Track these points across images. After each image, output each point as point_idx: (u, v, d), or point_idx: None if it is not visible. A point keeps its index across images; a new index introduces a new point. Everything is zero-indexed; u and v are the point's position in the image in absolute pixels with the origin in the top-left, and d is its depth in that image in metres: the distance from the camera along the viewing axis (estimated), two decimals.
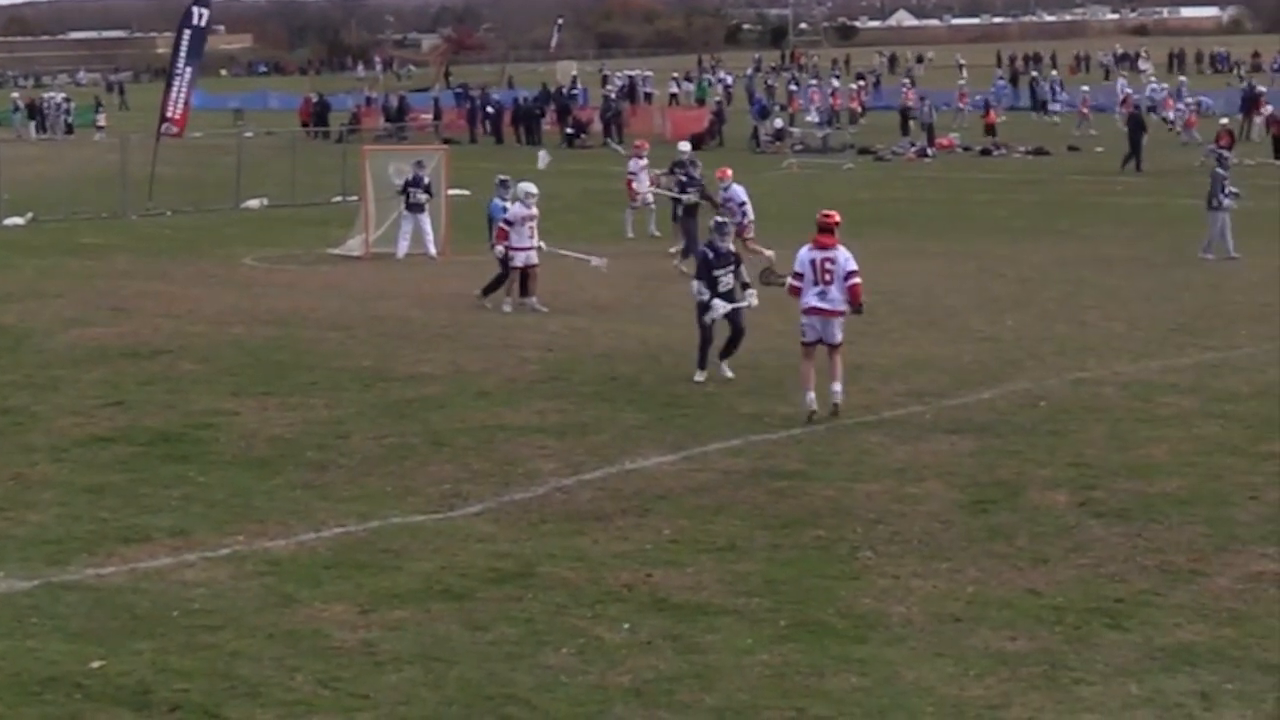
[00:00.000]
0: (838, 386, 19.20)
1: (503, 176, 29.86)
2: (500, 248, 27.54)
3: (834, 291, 19.27)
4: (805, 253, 19.54)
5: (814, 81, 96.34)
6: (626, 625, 12.34)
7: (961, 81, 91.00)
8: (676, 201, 34.02)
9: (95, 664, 11.60)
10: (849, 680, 11.20)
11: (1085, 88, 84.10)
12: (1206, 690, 10.97)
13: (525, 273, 27.57)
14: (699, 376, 21.26)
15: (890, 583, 13.29)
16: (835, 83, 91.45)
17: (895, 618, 12.46)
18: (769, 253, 30.34)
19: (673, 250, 32.72)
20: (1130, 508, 15.30)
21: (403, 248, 35.44)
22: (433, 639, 12.09)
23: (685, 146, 36.44)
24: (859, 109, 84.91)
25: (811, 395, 19.11)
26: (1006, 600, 12.82)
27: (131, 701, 10.96)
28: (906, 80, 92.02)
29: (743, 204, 31.87)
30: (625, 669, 11.45)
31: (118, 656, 11.74)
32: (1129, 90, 77.64)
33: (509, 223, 27.48)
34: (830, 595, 12.98)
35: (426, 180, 35.50)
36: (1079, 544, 14.26)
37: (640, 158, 38.69)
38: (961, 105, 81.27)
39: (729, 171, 33.14)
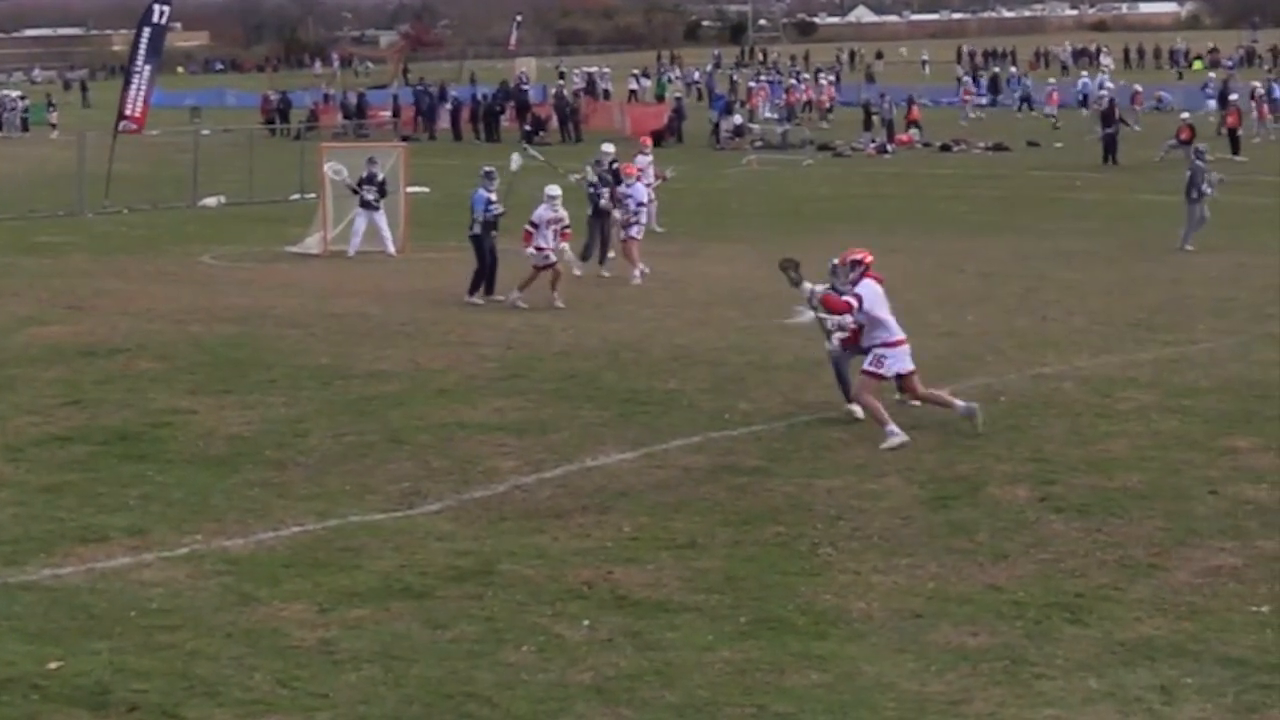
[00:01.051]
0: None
1: (488, 168, 29.68)
2: (530, 249, 27.28)
3: None
4: (876, 286, 18.36)
5: (771, 78, 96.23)
6: (587, 623, 12.31)
7: (966, 78, 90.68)
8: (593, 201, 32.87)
9: (53, 664, 11.54)
10: (810, 677, 11.18)
11: (1052, 81, 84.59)
12: (1166, 684, 10.98)
13: (551, 271, 27.43)
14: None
15: (851, 579, 13.28)
16: (794, 80, 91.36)
17: (856, 614, 12.46)
18: (637, 269, 30.14)
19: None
20: (1090, 503, 15.32)
21: (354, 245, 35.28)
22: (392, 637, 12.05)
23: (609, 148, 35.39)
24: (828, 104, 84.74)
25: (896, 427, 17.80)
26: (967, 596, 12.83)
27: (89, 702, 10.90)
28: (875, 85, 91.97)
29: (640, 205, 31.42)
30: (586, 666, 11.42)
31: (75, 657, 11.68)
32: (1108, 85, 77.47)
33: (534, 224, 27.25)
34: (791, 592, 12.97)
35: (380, 177, 35.35)
36: (1039, 539, 14.28)
37: (645, 153, 38.48)
38: (966, 100, 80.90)
39: (635, 169, 33.12)
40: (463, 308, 27.53)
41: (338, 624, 12.35)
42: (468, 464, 17.16)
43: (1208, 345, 23.34)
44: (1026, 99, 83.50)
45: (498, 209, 28.70)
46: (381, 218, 35.35)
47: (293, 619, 12.48)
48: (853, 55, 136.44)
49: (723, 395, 20.33)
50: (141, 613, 12.66)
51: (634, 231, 30.84)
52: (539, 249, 27.22)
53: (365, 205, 35.23)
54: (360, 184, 35.18)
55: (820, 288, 18.55)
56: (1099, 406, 19.48)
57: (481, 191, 28.91)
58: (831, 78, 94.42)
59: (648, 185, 35.39)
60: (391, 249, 35.24)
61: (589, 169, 33.05)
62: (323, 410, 19.77)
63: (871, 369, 18.14)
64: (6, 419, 19.55)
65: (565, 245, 28.00)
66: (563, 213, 27.38)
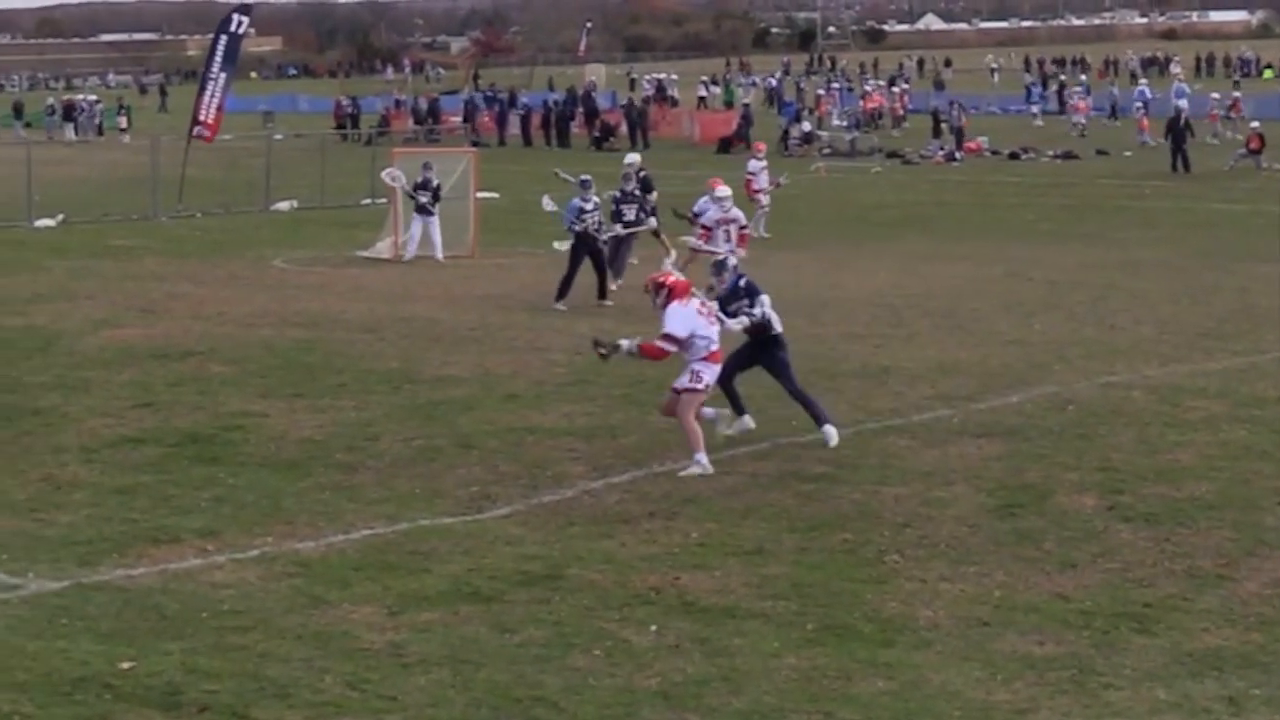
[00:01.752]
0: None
1: (585, 177, 29.69)
2: (705, 247, 27.13)
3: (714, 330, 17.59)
4: (688, 307, 17.37)
5: (841, 85, 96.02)
6: (654, 628, 12.36)
7: (1078, 88, 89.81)
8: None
9: (125, 665, 11.65)
10: (876, 684, 11.21)
11: (1078, 88, 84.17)
12: (1234, 695, 10.96)
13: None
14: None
15: (918, 586, 13.30)
16: (868, 86, 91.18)
17: (922, 621, 12.47)
18: (670, 257, 29.98)
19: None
20: (1158, 512, 15.29)
21: (411, 249, 35.33)
22: (461, 641, 12.12)
23: (633, 157, 34.39)
24: (901, 112, 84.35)
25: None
26: (1034, 604, 12.82)
27: (161, 702, 11.01)
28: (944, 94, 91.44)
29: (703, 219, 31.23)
30: (653, 671, 11.47)
31: (147, 657, 11.79)
32: (1185, 92, 76.86)
33: (707, 227, 27.07)
34: (857, 599, 12.99)
35: (435, 183, 35.41)
36: (1107, 548, 14.26)
37: (758, 158, 38.41)
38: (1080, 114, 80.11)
39: (720, 181, 32.97)
40: (531, 313, 27.59)
41: (407, 627, 12.43)
42: (536, 468, 17.23)
43: (1276, 355, 23.23)
44: (1112, 107, 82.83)
45: (590, 218, 28.63)
46: (435, 224, 35.38)
47: (362, 621, 12.57)
48: (921, 63, 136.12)
49: (789, 402, 20.29)
50: (213, 614, 12.77)
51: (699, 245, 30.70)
52: (706, 251, 26.82)
53: (420, 210, 35.31)
54: (415, 189, 35.29)
55: (634, 342, 17.78)
56: (1167, 416, 19.42)
57: (576, 200, 28.90)
58: (906, 85, 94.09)
59: (759, 191, 35.35)
60: (439, 255, 35.18)
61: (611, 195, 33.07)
62: (392, 414, 19.88)
63: (690, 385, 17.36)
64: (81, 421, 19.73)
65: (674, 252, 27.74)
66: (735, 213, 26.89)
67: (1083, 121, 75.81)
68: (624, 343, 17.85)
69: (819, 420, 18.19)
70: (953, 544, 14.43)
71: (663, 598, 13.08)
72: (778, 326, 18.29)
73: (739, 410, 18.54)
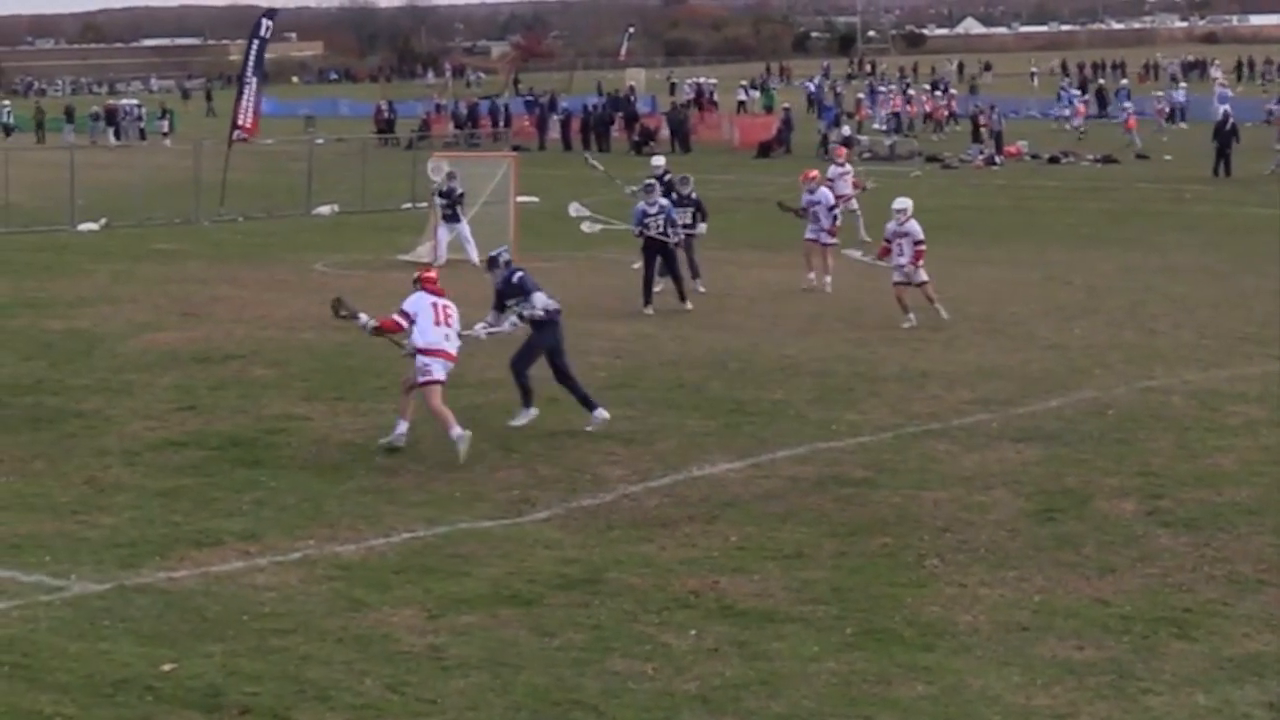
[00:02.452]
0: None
1: (648, 181, 29.72)
2: (881, 262, 26.95)
3: (454, 334, 18.78)
4: (424, 297, 18.78)
5: (884, 88, 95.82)
6: (693, 632, 12.39)
7: (1076, 92, 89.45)
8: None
9: (166, 666, 11.73)
10: (915, 689, 11.22)
11: (1077, 91, 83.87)
12: (1275, 701, 10.95)
13: (911, 288, 26.49)
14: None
15: (957, 591, 13.31)
16: (911, 91, 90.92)
17: (962, 626, 12.48)
18: (858, 254, 30.28)
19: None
20: (1198, 517, 15.27)
21: (440, 254, 35.29)
22: (500, 644, 12.16)
23: (659, 160, 34.35)
24: (945, 115, 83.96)
25: (405, 426, 18.76)
26: (1074, 609, 12.82)
27: (202, 704, 11.07)
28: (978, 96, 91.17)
29: (832, 208, 31.68)
30: (692, 675, 11.50)
31: (189, 659, 11.86)
32: (1228, 96, 76.55)
33: (887, 240, 26.69)
34: (897, 603, 13.01)
35: (459, 192, 35.37)
36: (1146, 553, 14.24)
37: (839, 164, 38.42)
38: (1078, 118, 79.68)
39: (815, 173, 33.01)
40: (571, 316, 27.45)
41: (447, 630, 12.48)
42: (576, 472, 17.27)
43: None
44: (1174, 113, 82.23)
45: (654, 221, 28.58)
46: (463, 227, 35.38)
47: (402, 625, 12.62)
48: (961, 67, 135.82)
49: (829, 406, 20.37)
50: (254, 616, 12.83)
51: (826, 239, 31.20)
52: (898, 266, 26.58)
53: (445, 217, 35.38)
54: (438, 195, 35.39)
55: (373, 320, 18.85)
56: (1207, 420, 19.38)
57: (640, 205, 28.87)
58: (953, 91, 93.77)
59: (841, 197, 35.31)
60: (475, 259, 35.12)
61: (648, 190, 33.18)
62: (433, 418, 19.89)
63: (423, 379, 18.42)
64: (123, 424, 19.83)
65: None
66: (909, 226, 26.43)
67: (1082, 124, 75.55)
68: (363, 317, 18.96)
69: (588, 406, 19.42)
70: (992, 549, 14.43)
71: (702, 601, 13.11)
72: (540, 313, 19.45)
73: (528, 402, 19.66)
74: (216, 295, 30.82)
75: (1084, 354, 23.69)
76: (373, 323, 18.88)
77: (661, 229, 28.51)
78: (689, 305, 28.29)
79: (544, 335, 19.56)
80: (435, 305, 18.68)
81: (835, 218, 31.32)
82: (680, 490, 16.57)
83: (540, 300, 19.33)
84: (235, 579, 13.83)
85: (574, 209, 32.03)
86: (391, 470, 17.46)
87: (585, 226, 32.10)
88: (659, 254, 28.60)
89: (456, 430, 17.99)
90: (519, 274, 19.60)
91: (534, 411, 19.58)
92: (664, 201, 28.97)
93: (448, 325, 18.68)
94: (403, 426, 18.70)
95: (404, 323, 18.66)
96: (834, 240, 31.10)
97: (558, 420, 19.63)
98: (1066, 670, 11.52)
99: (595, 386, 21.60)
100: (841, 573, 13.82)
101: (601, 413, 19.39)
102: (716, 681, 11.37)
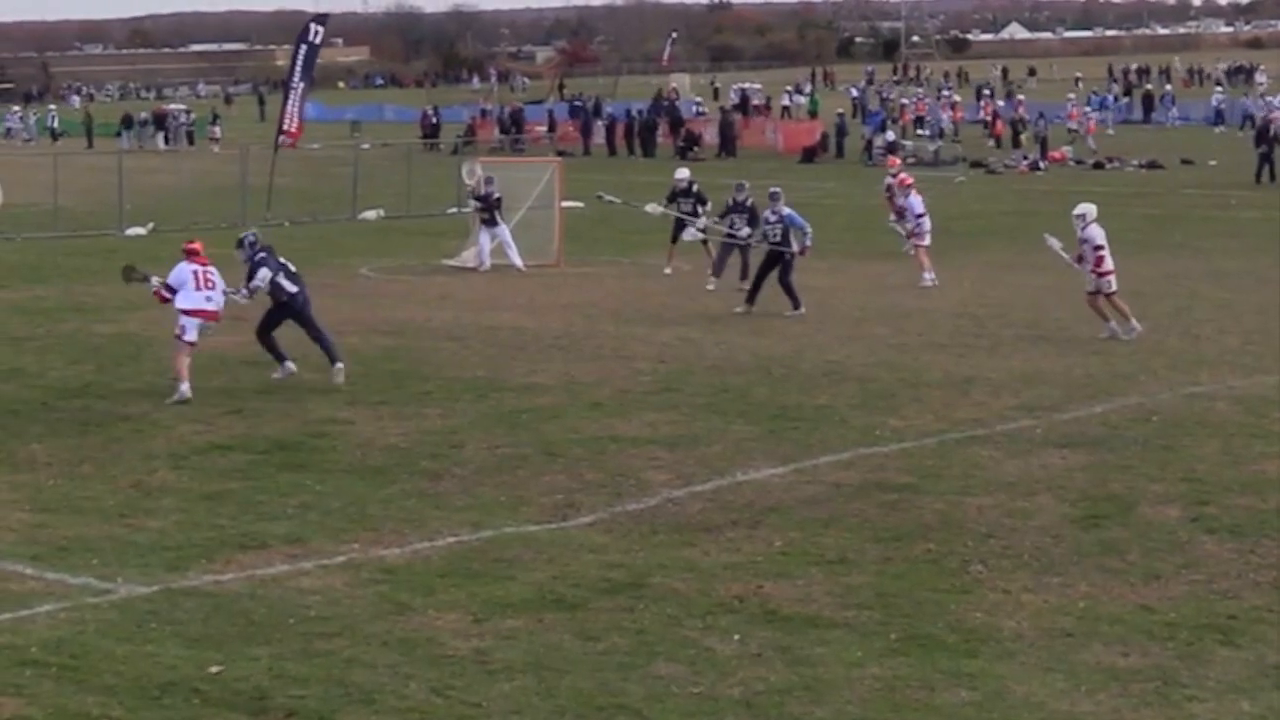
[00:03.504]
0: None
1: (774, 189, 29.69)
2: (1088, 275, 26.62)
3: (217, 295, 22.03)
4: (186, 266, 21.95)
5: (942, 94, 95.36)
6: (737, 637, 12.40)
7: (1071, 96, 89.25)
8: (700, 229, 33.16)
9: (213, 669, 11.78)
10: (959, 695, 11.22)
11: (1071, 96, 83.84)
12: None
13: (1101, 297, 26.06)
14: None
15: (1001, 597, 13.29)
16: (957, 96, 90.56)
17: (1006, 632, 12.46)
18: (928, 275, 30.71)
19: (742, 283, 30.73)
20: (1243, 523, 15.23)
21: (483, 261, 35.27)
22: (545, 648, 12.19)
23: (683, 173, 35.03)
24: (990, 119, 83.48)
25: (186, 386, 21.36)
26: (1118, 616, 12.79)
27: (248, 707, 11.13)
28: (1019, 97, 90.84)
29: (919, 215, 32.05)
30: (735, 680, 11.52)
31: (235, 662, 11.92)
32: (1276, 103, 76.17)
33: (1099, 247, 25.94)
34: (941, 609, 13.00)
35: (496, 196, 35.37)
36: (1191, 560, 14.21)
37: (893, 174, 38.44)
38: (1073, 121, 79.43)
39: (908, 179, 33.53)
40: (616, 321, 27.67)
41: (491, 634, 12.51)
42: (620, 477, 17.30)
43: None
44: (1250, 118, 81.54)
45: (772, 233, 28.55)
46: (503, 232, 35.40)
47: (447, 628, 12.66)
48: (1005, 72, 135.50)
49: (873, 411, 20.36)
50: (300, 620, 12.89)
51: (923, 239, 32.17)
52: (1088, 274, 25.99)
53: (485, 222, 35.42)
54: (474, 198, 35.48)
55: (159, 281, 22.14)
56: (1253, 427, 19.33)
57: (787, 211, 28.76)
58: (1017, 100, 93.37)
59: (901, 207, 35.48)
60: (518, 263, 35.16)
61: (675, 202, 33.63)
62: (478, 422, 19.99)
63: (177, 335, 21.73)
64: (170, 427, 19.93)
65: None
66: (1089, 232, 25.96)
67: (1076, 128, 75.44)
68: (154, 280, 22.31)
69: (332, 359, 22.43)
70: (1036, 554, 14.41)
71: (745, 606, 13.12)
72: (289, 291, 22.59)
73: (280, 359, 22.76)
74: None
75: (1128, 360, 23.64)
76: (157, 283, 22.09)
77: (779, 238, 28.49)
78: (803, 310, 28.17)
79: (281, 310, 22.72)
80: (196, 273, 21.85)
81: (919, 224, 31.79)
82: (724, 495, 16.58)
83: (259, 279, 22.52)
84: (281, 582, 13.89)
85: (651, 208, 32.63)
86: (436, 475, 17.51)
87: (650, 208, 32.72)
88: (776, 263, 28.49)
89: (183, 389, 21.15)
90: (260, 255, 22.67)
91: (291, 366, 22.68)
92: (785, 210, 28.87)
93: (209, 289, 21.89)
94: (184, 387, 21.32)
95: (168, 294, 21.91)
96: (922, 242, 32.33)
97: (601, 425, 19.68)
98: (1111, 677, 11.50)
99: (639, 391, 21.69)
100: (885, 578, 13.82)
101: (340, 367, 22.28)
102: (760, 687, 11.39)
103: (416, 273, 35.52)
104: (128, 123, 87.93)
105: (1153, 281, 32.22)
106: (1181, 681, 11.40)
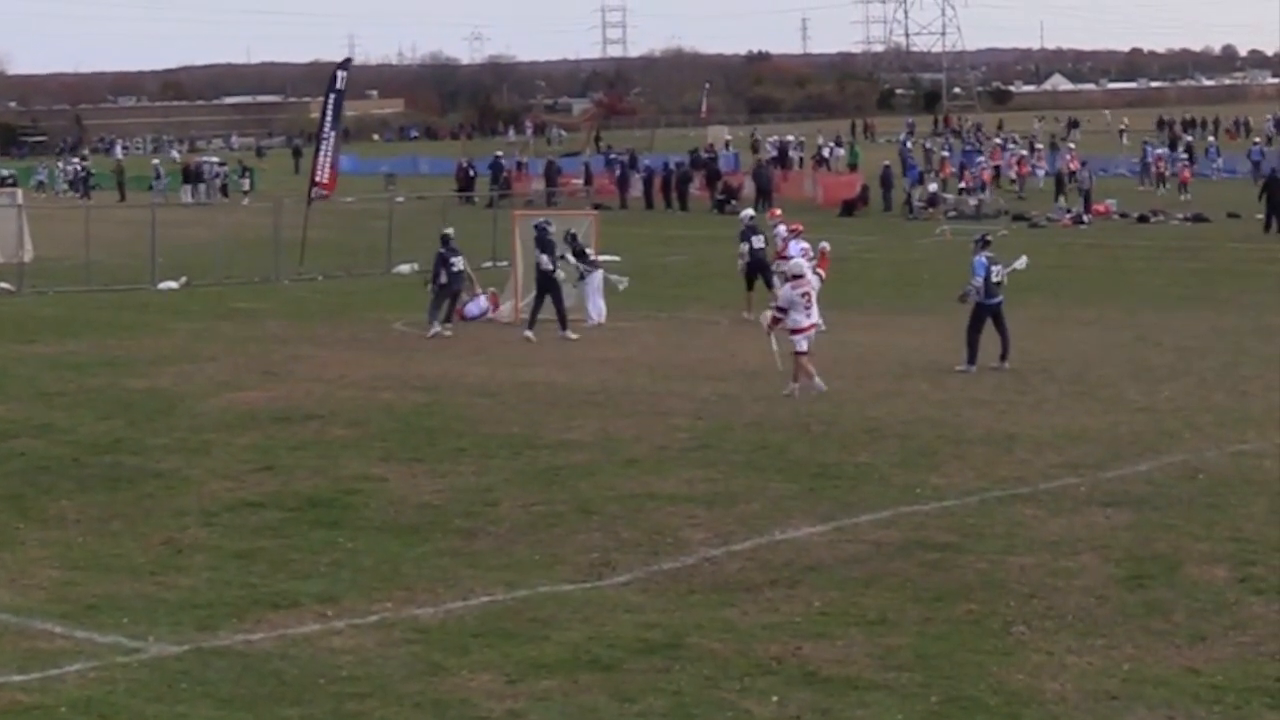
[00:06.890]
0: None
1: (986, 236, 29.38)
2: None
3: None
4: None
5: (971, 146, 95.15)
6: (775, 698, 12.24)
7: (1149, 143, 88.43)
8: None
9: None
10: None
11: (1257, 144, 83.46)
12: None
13: None
14: None
15: (1044, 659, 13.10)
16: (1007, 148, 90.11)
17: (1049, 695, 12.28)
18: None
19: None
20: None
21: (599, 314, 35.09)
22: (580, 710, 12.04)
23: (748, 212, 36.87)
24: (1028, 172, 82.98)
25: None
26: (1164, 678, 12.60)
27: None
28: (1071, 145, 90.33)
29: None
30: None
31: None
32: None
33: None
34: (983, 671, 12.81)
35: (581, 247, 35.26)
36: (1238, 621, 14.00)
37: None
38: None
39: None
40: (653, 376, 27.50)
41: (526, 695, 12.36)
42: (657, 535, 17.13)
43: None
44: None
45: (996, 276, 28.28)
46: (595, 279, 35.20)
47: (481, 689, 12.51)
48: (1073, 123, 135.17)
49: (914, 469, 20.16)
50: (331, 680, 12.75)
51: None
52: None
53: (581, 276, 35.14)
54: (573, 255, 35.14)
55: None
56: None
57: (981, 258, 28.28)
58: (1077, 153, 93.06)
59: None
60: (596, 318, 34.93)
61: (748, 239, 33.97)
62: (512, 479, 19.85)
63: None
64: (202, 484, 19.82)
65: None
66: None
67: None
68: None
69: None
70: (1080, 615, 14.21)
71: (784, 667, 12.95)
72: None
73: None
74: (296, 354, 30.85)
75: (1174, 417, 23.39)
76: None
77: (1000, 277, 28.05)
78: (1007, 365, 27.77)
79: None
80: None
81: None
82: (762, 554, 16.40)
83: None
84: (312, 642, 13.76)
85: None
86: (470, 533, 17.37)
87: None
88: (989, 314, 28.22)
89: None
90: None
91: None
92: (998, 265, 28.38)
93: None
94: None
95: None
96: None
97: (638, 483, 19.52)
98: None
99: (677, 448, 21.53)
100: (926, 639, 13.63)
101: None
102: None
103: (452, 327, 35.39)
104: (187, 175, 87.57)
105: (1198, 336, 32.00)
106: None
